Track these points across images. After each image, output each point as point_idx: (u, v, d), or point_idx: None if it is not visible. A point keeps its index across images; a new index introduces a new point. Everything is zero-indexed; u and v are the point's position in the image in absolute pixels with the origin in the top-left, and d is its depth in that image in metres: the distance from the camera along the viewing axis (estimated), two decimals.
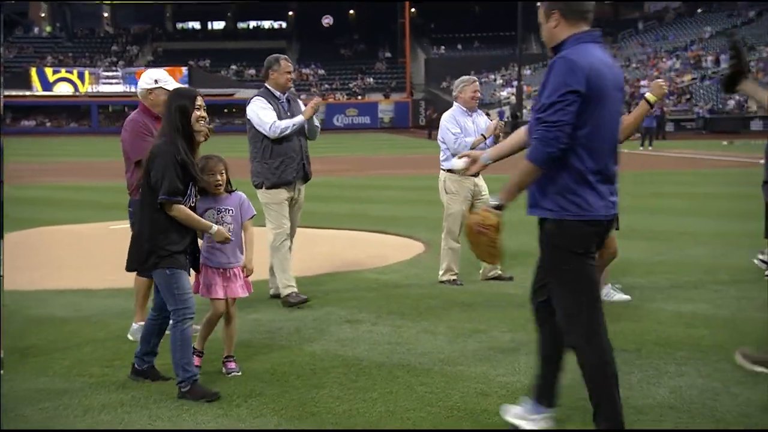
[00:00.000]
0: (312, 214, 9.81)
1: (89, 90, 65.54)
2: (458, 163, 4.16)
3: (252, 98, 6.80)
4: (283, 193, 6.72)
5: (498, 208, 3.71)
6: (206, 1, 69.46)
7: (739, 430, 3.98)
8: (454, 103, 7.65)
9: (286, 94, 6.85)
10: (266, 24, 78.86)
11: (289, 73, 6.82)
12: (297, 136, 6.75)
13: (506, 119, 49.32)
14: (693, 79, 50.21)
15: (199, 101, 4.53)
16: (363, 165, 25.73)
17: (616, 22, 69.46)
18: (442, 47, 69.55)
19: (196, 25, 79.68)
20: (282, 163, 6.67)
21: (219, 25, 78.93)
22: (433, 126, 32.15)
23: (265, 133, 6.63)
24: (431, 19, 71.34)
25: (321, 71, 70.05)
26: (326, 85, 67.48)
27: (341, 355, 5.28)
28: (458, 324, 6.01)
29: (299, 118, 6.71)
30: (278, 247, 6.72)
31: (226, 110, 62.17)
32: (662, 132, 36.50)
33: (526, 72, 57.71)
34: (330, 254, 9.14)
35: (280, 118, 6.65)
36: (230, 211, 4.87)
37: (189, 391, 4.43)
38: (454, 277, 7.50)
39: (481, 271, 7.63)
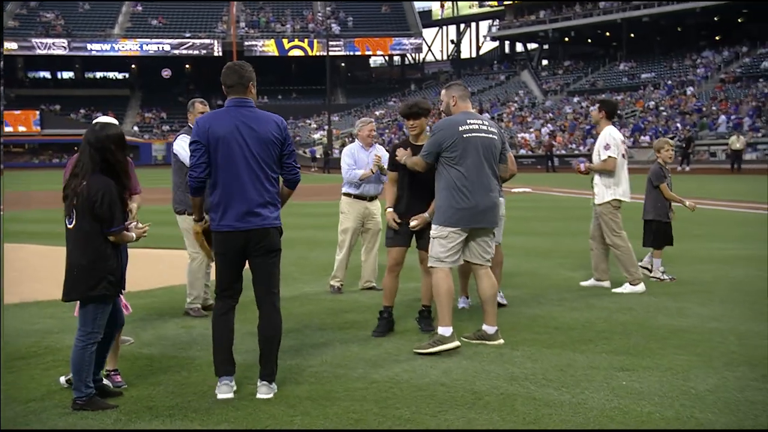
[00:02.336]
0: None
1: None
2: None
3: (179, 135, 6.43)
4: None
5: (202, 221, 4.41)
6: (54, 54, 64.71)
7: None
8: (355, 139, 7.67)
9: None
10: (111, 75, 74.89)
11: (203, 113, 6.49)
12: None
13: (319, 156, 49.68)
14: None
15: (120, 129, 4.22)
16: None
17: (403, 79, 72.12)
18: (266, 97, 69.04)
19: (47, 74, 74.35)
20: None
21: (68, 74, 73.98)
22: None
23: None
24: (256, 74, 70.30)
25: (163, 114, 67.43)
26: (166, 127, 64.93)
27: (176, 356, 5.08)
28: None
29: None
30: (197, 268, 6.42)
31: (76, 148, 58.03)
32: None
33: (335, 118, 58.48)
34: (167, 271, 8.82)
35: None
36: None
37: (88, 404, 3.99)
38: (339, 285, 7.40)
39: (360, 282, 7.59)
